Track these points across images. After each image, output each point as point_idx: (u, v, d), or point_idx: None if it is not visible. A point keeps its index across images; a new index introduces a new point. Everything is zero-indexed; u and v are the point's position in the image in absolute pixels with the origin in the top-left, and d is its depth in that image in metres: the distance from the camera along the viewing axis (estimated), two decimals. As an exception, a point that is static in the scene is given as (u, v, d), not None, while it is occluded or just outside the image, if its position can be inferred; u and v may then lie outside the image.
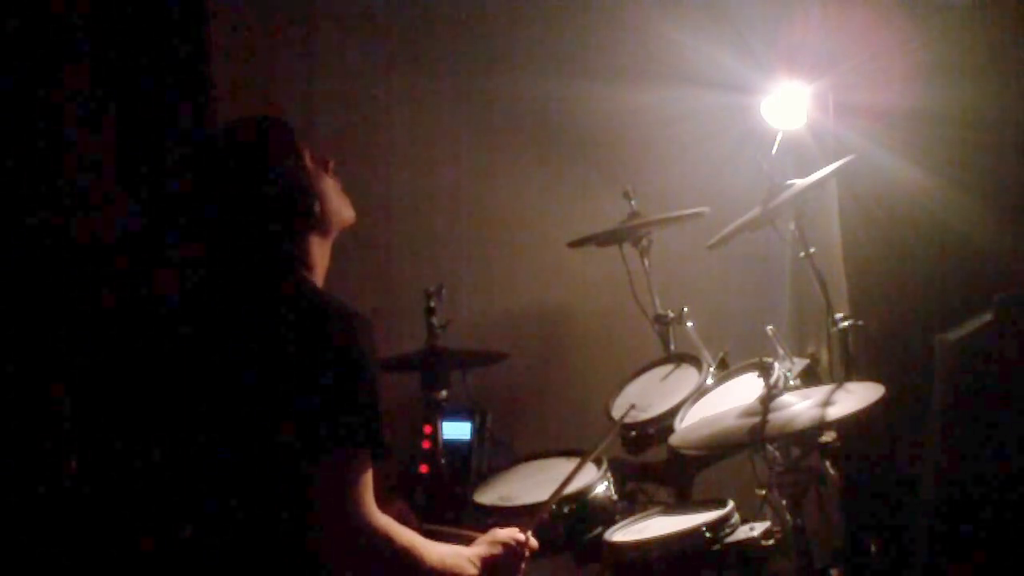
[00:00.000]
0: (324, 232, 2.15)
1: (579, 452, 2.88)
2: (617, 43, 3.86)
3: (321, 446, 1.94)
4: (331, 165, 2.21)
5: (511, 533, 2.29)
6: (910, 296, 3.22)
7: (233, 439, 2.01)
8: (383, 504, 2.03)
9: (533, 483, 2.82)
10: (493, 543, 2.25)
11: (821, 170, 2.96)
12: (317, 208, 2.12)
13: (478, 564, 2.18)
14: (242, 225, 2.09)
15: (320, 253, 2.14)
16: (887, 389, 2.41)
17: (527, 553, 2.30)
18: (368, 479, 1.96)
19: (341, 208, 2.20)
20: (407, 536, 2.03)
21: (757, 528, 2.49)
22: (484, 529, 2.34)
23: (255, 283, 2.09)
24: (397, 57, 3.92)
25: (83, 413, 3.36)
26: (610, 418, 3.03)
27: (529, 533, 2.32)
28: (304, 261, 2.11)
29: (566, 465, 2.85)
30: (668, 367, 3.20)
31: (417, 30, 3.93)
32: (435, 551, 2.09)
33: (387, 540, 1.98)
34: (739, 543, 2.47)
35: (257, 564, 1.99)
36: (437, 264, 3.79)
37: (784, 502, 2.60)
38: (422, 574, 2.04)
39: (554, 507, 2.63)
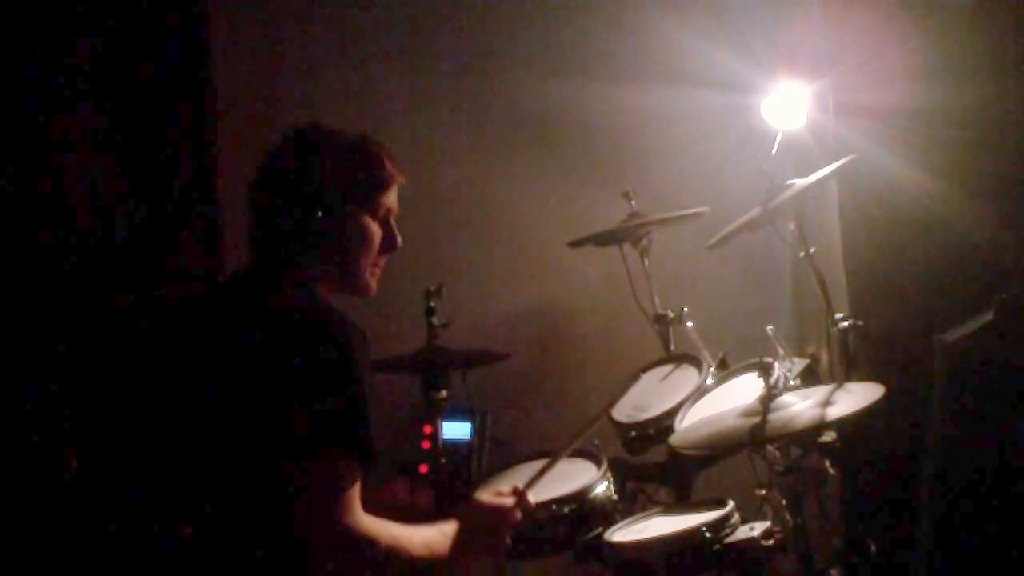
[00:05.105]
0: (332, 283, 2.15)
1: (579, 452, 2.88)
2: (617, 43, 3.86)
3: (307, 449, 1.93)
4: (396, 242, 2.20)
5: (496, 492, 2.29)
6: (910, 296, 3.22)
7: (227, 441, 2.00)
8: (386, 484, 2.01)
9: (533, 483, 2.82)
10: (476, 507, 2.25)
11: (821, 170, 2.96)
12: (340, 260, 2.13)
13: (460, 534, 2.16)
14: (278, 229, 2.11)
15: (326, 289, 2.14)
16: (887, 389, 2.41)
17: (516, 512, 2.29)
18: (354, 485, 1.96)
19: (366, 283, 2.18)
20: (390, 534, 2.02)
21: (757, 528, 2.49)
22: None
23: (255, 288, 2.10)
24: (397, 57, 3.92)
25: (83, 413, 3.36)
26: (610, 419, 3.04)
27: (518, 487, 2.30)
28: (310, 275, 2.11)
29: (566, 465, 2.85)
30: (668, 367, 3.20)
31: (417, 30, 3.93)
32: (418, 539, 2.08)
33: (372, 543, 1.97)
34: (739, 543, 2.46)
35: (256, 565, 1.99)
36: (437, 264, 3.79)
37: (784, 502, 2.60)
38: (411, 564, 2.03)
39: (554, 507, 2.63)
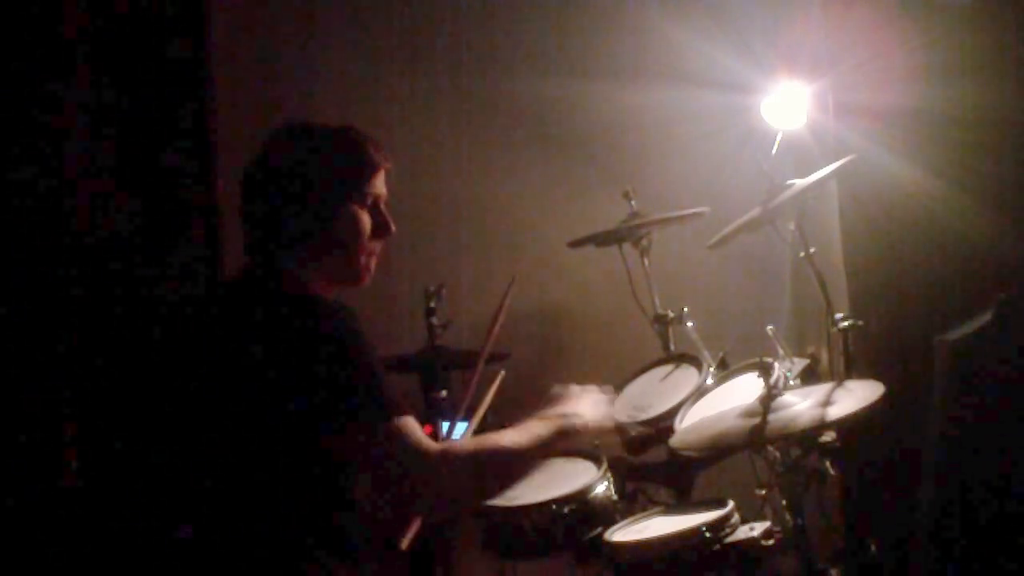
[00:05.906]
0: (329, 276, 2.14)
1: (578, 452, 2.88)
2: (617, 43, 3.86)
3: (338, 423, 1.94)
4: (390, 228, 2.17)
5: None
6: (910, 296, 3.22)
7: (233, 436, 2.00)
8: None
9: (534, 483, 2.81)
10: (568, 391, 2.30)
11: (821, 170, 2.96)
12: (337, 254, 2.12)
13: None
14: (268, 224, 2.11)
15: (323, 282, 2.14)
16: (887, 389, 2.41)
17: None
18: (406, 430, 1.94)
19: (361, 270, 2.16)
20: (470, 440, 2.06)
21: (757, 528, 2.49)
22: None
23: (251, 288, 2.11)
24: (397, 57, 3.92)
25: (83, 413, 3.36)
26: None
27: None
28: (304, 272, 2.11)
29: (567, 465, 2.85)
30: (668, 367, 3.20)
31: (417, 30, 3.93)
32: (510, 431, 2.11)
33: (452, 453, 1.98)
34: (739, 543, 2.47)
35: (257, 565, 1.99)
36: (437, 264, 3.79)
37: (784, 502, 2.60)
38: (517, 455, 2.06)
39: (554, 507, 2.63)
